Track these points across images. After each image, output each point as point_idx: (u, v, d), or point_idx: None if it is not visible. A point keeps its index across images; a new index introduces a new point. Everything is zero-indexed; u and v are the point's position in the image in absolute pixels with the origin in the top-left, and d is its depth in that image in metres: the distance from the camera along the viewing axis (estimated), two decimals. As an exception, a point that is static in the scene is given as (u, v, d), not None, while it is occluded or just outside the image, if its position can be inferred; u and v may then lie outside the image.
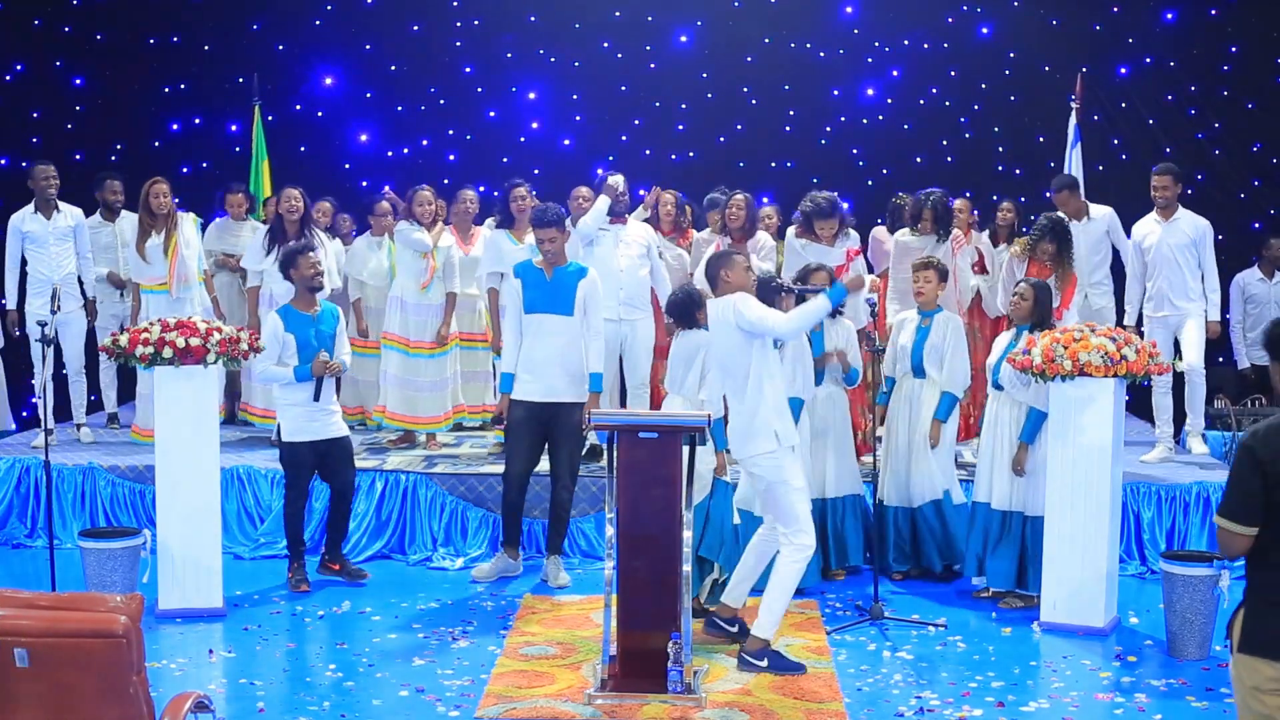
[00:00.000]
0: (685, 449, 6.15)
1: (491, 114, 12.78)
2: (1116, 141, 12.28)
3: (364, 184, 12.31)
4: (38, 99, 12.33)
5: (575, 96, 12.78)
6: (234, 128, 12.45)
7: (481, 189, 9.89)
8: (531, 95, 12.84)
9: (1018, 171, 12.39)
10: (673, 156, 12.61)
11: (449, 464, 8.82)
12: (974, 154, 12.49)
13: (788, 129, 12.64)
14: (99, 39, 12.41)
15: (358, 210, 10.50)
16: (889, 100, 12.73)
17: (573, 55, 12.70)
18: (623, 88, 12.73)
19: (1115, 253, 9.53)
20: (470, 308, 9.55)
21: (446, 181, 10.67)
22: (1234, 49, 12.30)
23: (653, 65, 12.70)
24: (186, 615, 7.08)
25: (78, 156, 11.79)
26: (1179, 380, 9.11)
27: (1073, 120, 10.61)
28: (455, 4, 12.79)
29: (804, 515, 6.23)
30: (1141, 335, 8.43)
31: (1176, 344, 9.11)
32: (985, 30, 12.61)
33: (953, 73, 12.61)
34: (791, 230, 8.91)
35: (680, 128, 12.81)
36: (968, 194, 10.05)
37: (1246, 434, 3.97)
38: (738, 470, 7.00)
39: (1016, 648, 6.79)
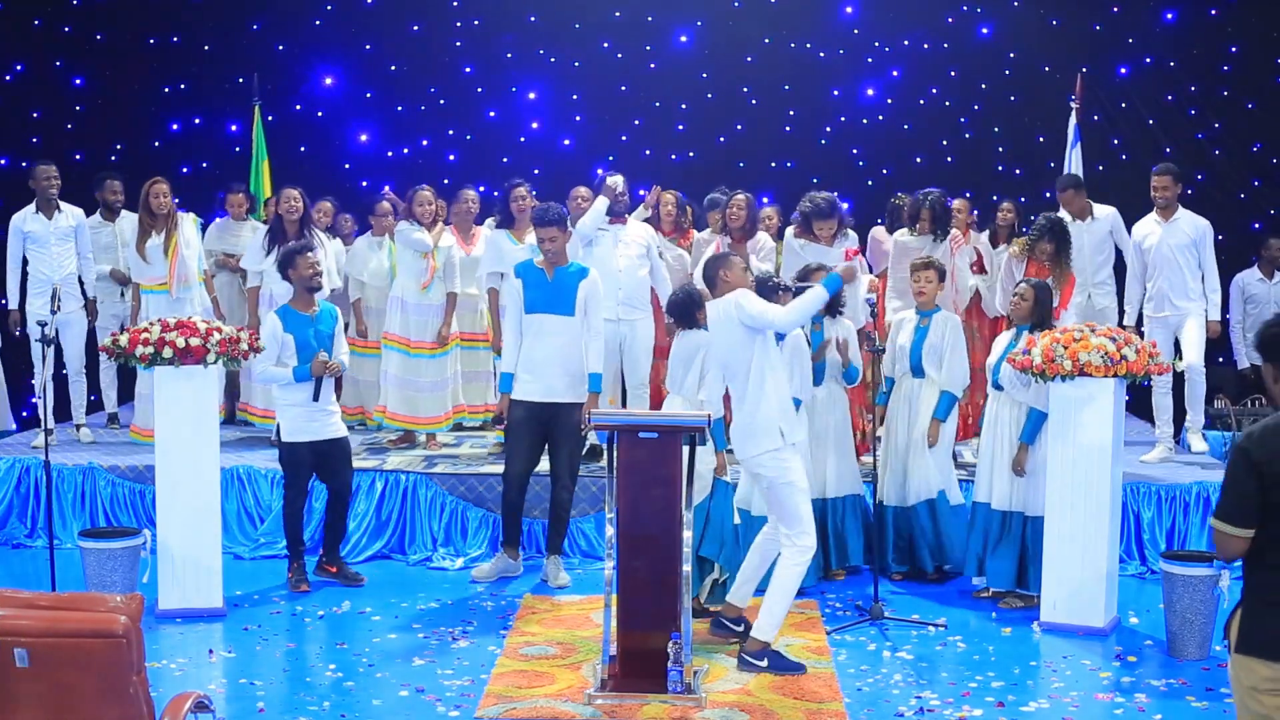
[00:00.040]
0: (685, 449, 6.15)
1: (491, 114, 12.78)
2: (1116, 141, 12.29)
3: (364, 184, 12.32)
4: (38, 99, 12.33)
5: (575, 96, 12.78)
6: (234, 128, 12.45)
7: (481, 189, 9.89)
8: (531, 95, 12.84)
9: (1018, 171, 12.39)
10: (673, 156, 12.61)
11: (449, 464, 8.82)
12: (974, 154, 12.49)
13: (788, 129, 12.64)
14: (99, 39, 12.41)
15: (358, 210, 10.51)
16: (889, 100, 12.73)
17: (573, 55, 12.70)
18: (623, 88, 12.73)
19: (1118, 253, 9.53)
20: (471, 308, 9.55)
21: (446, 181, 10.67)
22: (1234, 49, 12.29)
23: (653, 65, 12.70)
24: (186, 615, 7.08)
25: (78, 156, 11.79)
26: (1179, 380, 9.12)
27: (1073, 120, 10.61)
28: (455, 4, 12.79)
29: (807, 516, 6.24)
30: (1141, 335, 8.43)
31: (1177, 344, 9.12)
32: (985, 30, 12.61)
33: (953, 73, 12.61)
34: (790, 230, 8.91)
35: (680, 128, 12.81)
36: (967, 194, 10.05)
37: (1241, 435, 3.97)
38: (738, 470, 7.00)
39: (1016, 648, 6.79)
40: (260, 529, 8.49)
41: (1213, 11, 12.32)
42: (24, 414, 11.22)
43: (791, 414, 6.31)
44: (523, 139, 12.81)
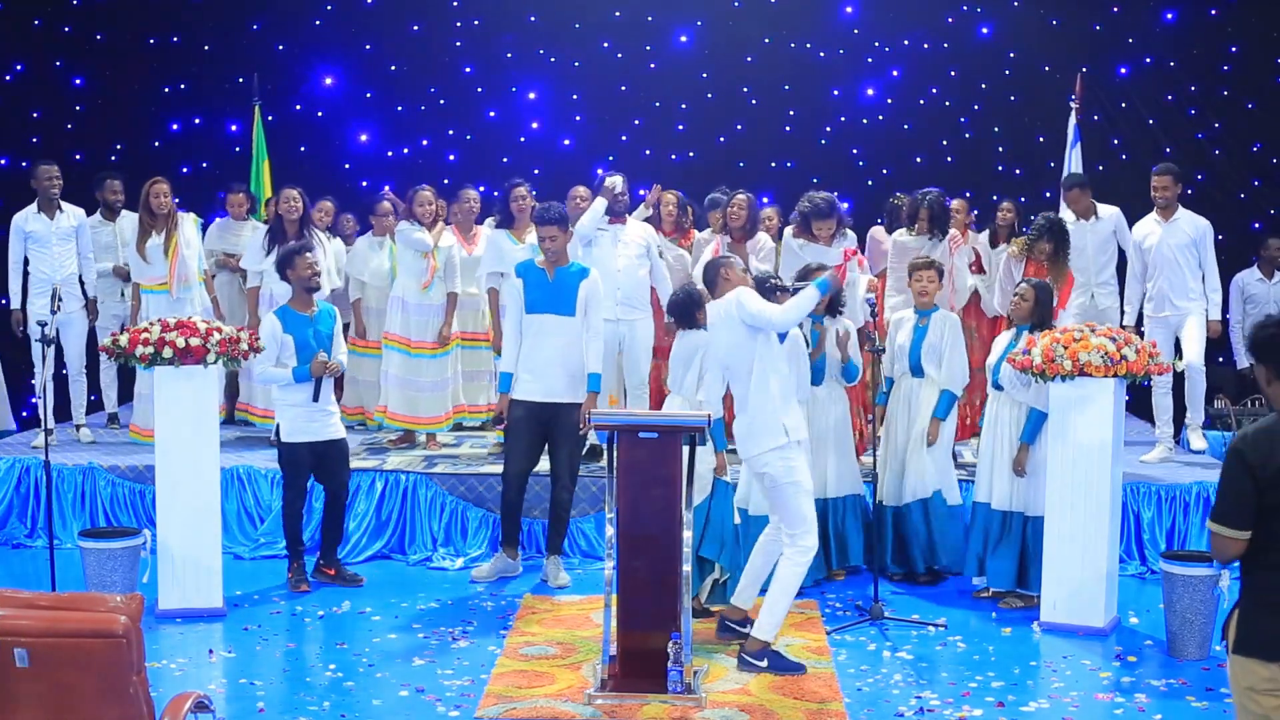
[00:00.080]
0: (685, 449, 6.15)
1: (491, 114, 12.78)
2: (1116, 141, 12.29)
3: (364, 184, 12.32)
4: (38, 99, 12.33)
5: (575, 96, 12.78)
6: (234, 128, 12.46)
7: (481, 189, 9.89)
8: (531, 95, 12.84)
9: (1018, 171, 12.39)
10: (673, 156, 12.61)
11: (449, 464, 8.82)
12: (974, 154, 12.49)
13: (788, 129, 12.64)
14: (99, 39, 12.41)
15: (359, 211, 10.51)
16: (889, 100, 12.73)
17: (573, 55, 12.70)
18: (623, 88, 12.72)
19: (1121, 253, 9.52)
20: (473, 307, 9.55)
21: (446, 181, 10.67)
22: (1234, 49, 12.29)
23: (653, 65, 12.70)
24: (186, 615, 7.08)
25: (78, 156, 11.79)
26: (1179, 380, 9.12)
27: (1073, 120, 10.60)
28: (455, 4, 12.79)
29: (809, 516, 6.25)
30: (1141, 335, 8.43)
31: (1177, 344, 9.11)
32: (985, 30, 12.61)
33: (953, 73, 12.61)
34: (789, 230, 8.89)
35: (680, 128, 12.81)
36: (967, 194, 10.06)
37: (1235, 437, 3.98)
38: (737, 470, 6.99)
39: (1016, 648, 6.79)
40: (260, 529, 8.49)
41: (1213, 11, 12.32)
42: (24, 414, 11.22)
43: (796, 411, 6.31)
44: (523, 139, 12.81)
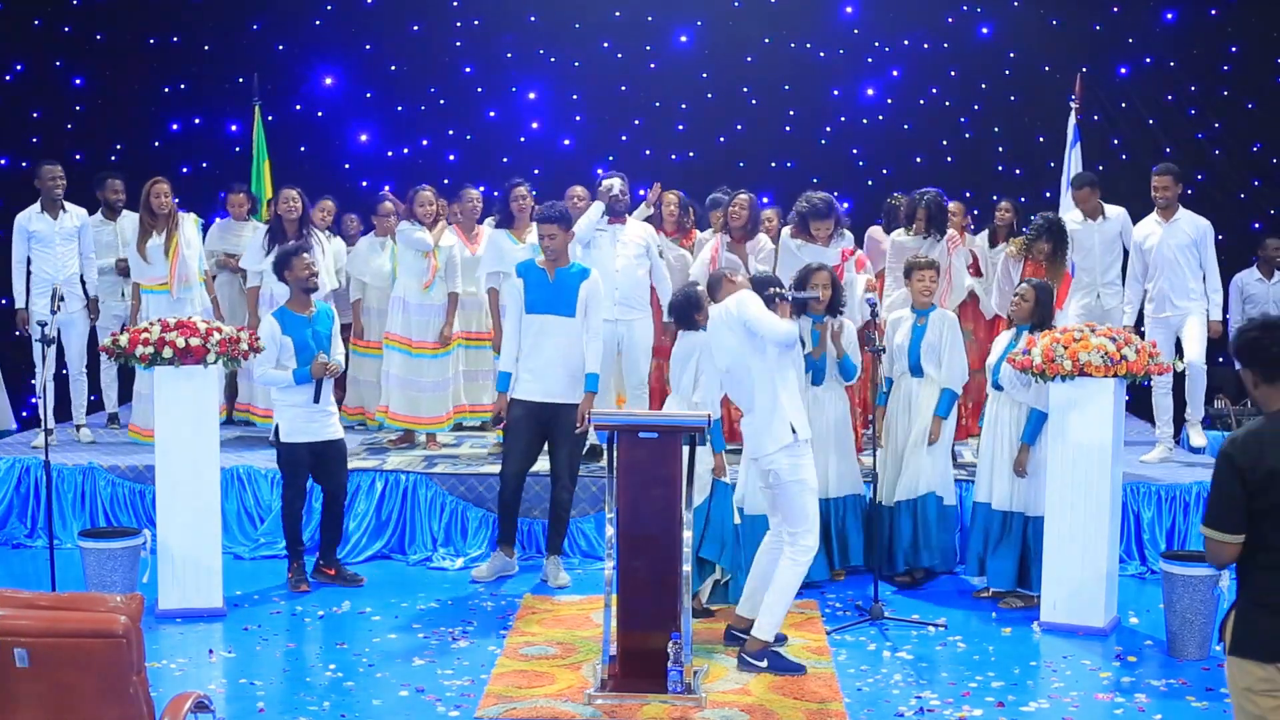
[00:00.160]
0: (685, 449, 6.15)
1: (491, 114, 12.78)
2: (1116, 141, 12.29)
3: (364, 184, 12.33)
4: (38, 99, 12.32)
5: (575, 96, 12.78)
6: (234, 128, 12.45)
7: (481, 189, 9.90)
8: (531, 95, 12.84)
9: (1017, 171, 12.39)
10: (673, 156, 12.61)
11: (449, 464, 8.82)
12: (974, 154, 12.49)
13: (788, 129, 12.64)
14: (99, 39, 12.41)
15: (362, 211, 10.51)
16: (889, 100, 12.73)
17: (573, 55, 12.70)
18: (623, 88, 12.72)
19: (1127, 253, 9.52)
20: (477, 307, 9.53)
21: (446, 181, 10.67)
22: (1234, 49, 12.30)
23: (653, 65, 12.70)
24: (186, 615, 7.08)
25: (78, 156, 11.78)
26: (1179, 380, 9.12)
27: (1072, 120, 10.60)
28: (455, 4, 12.79)
29: (813, 515, 6.25)
30: (1141, 335, 8.43)
31: (1177, 344, 9.11)
32: (985, 30, 12.61)
33: (953, 73, 12.61)
34: (786, 231, 8.87)
35: (680, 128, 12.81)
36: (967, 194, 10.06)
37: (1225, 441, 3.98)
38: (736, 470, 6.99)
39: (1016, 648, 6.79)
40: (260, 529, 8.49)
41: (1213, 11, 12.33)
42: (24, 414, 11.22)
43: (802, 410, 6.32)
44: (523, 139, 12.81)
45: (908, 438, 7.72)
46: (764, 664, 6.21)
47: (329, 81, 12.80)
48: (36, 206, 9.44)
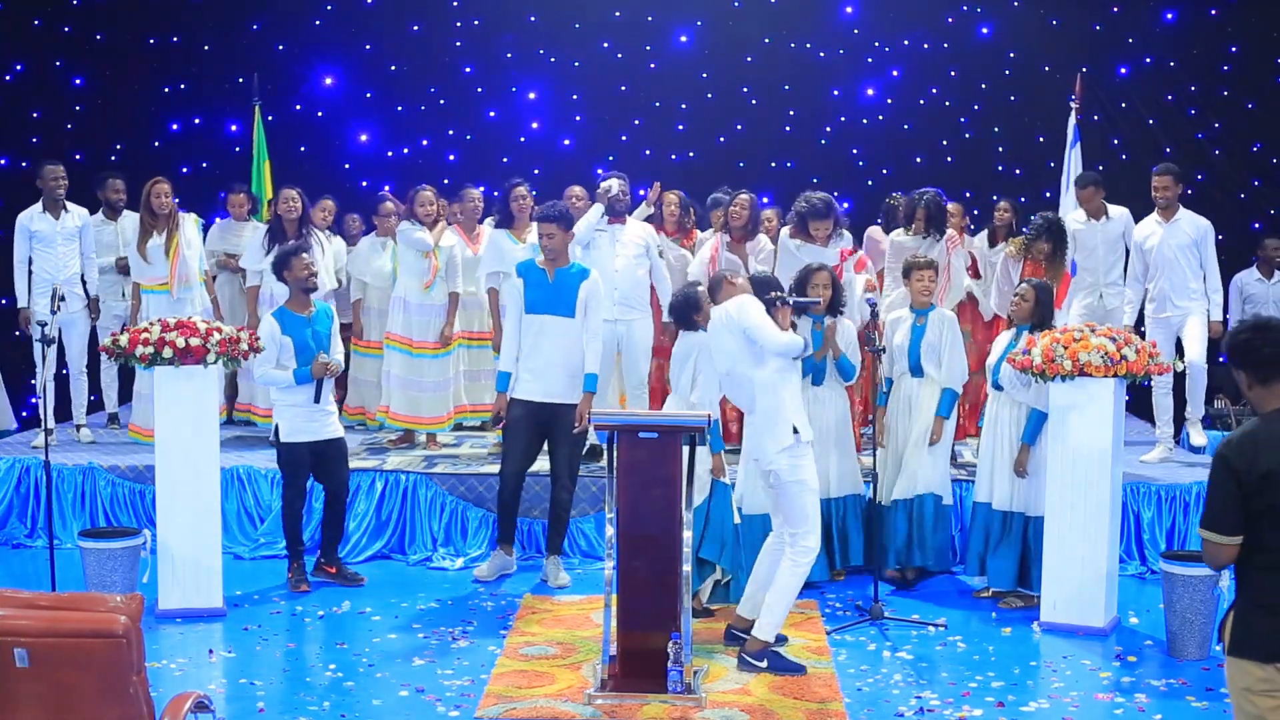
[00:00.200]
0: (685, 449, 6.15)
1: (491, 114, 12.78)
2: (1116, 141, 12.29)
3: (364, 184, 12.33)
4: (38, 99, 12.32)
5: (575, 96, 12.78)
6: (234, 128, 12.46)
7: (481, 189, 9.90)
8: (531, 95, 12.84)
9: (1017, 171, 12.39)
10: (673, 156, 12.61)
11: (449, 464, 8.82)
12: (974, 154, 12.49)
13: (788, 129, 12.64)
14: (99, 39, 12.41)
15: (363, 211, 10.51)
16: (889, 100, 12.74)
17: (573, 55, 12.70)
18: (623, 88, 12.73)
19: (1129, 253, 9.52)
20: (478, 307, 9.53)
21: (446, 181, 10.67)
22: (1234, 49, 12.30)
23: (653, 65, 12.70)
24: (186, 615, 7.08)
25: (78, 156, 11.77)
26: (1179, 380, 9.12)
27: (1072, 120, 10.60)
28: (455, 4, 12.79)
29: (814, 516, 6.26)
30: (1141, 335, 8.43)
31: (1178, 345, 9.11)
32: (985, 30, 12.61)
33: (953, 73, 12.61)
34: (785, 231, 8.86)
35: (680, 128, 12.81)
36: (967, 194, 10.06)
37: (1220, 443, 3.99)
38: (735, 469, 6.99)
39: (1016, 648, 6.79)
40: (260, 529, 8.49)
41: (1213, 11, 12.33)
42: (24, 414, 11.21)
43: (803, 411, 6.32)
44: (523, 139, 12.81)
45: (908, 438, 7.72)
46: (764, 664, 6.21)
47: (329, 81, 12.80)
48: (38, 206, 9.44)
